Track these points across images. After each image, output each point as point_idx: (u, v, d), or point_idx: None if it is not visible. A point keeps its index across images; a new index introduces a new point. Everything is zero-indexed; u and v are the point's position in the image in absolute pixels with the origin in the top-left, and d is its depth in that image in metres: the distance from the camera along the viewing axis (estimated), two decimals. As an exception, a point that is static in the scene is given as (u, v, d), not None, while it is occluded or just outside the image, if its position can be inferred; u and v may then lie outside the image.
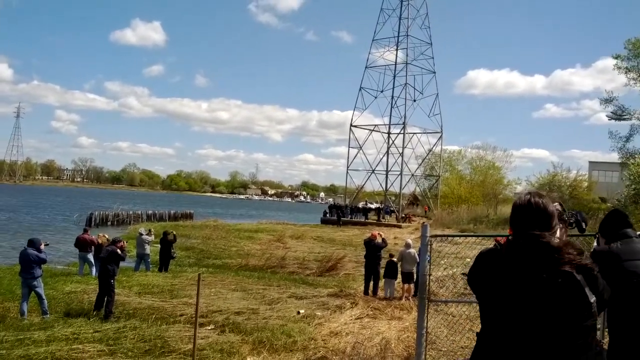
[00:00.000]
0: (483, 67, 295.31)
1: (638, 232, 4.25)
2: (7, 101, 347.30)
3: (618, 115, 41.96)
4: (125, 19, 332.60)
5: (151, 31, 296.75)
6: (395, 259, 17.13)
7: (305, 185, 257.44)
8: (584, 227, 3.35)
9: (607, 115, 42.76)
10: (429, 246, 8.03)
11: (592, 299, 2.50)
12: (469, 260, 11.42)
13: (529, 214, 2.67)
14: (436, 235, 8.66)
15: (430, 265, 8.09)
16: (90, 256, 19.68)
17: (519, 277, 2.55)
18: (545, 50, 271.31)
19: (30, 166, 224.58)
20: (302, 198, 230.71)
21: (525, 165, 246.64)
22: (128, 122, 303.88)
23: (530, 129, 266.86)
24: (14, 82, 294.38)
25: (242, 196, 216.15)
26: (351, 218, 59.28)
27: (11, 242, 30.72)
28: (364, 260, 17.82)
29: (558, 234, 2.68)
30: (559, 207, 2.79)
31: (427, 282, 7.86)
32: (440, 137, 68.05)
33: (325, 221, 59.06)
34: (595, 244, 4.42)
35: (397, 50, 65.08)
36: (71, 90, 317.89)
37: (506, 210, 50.30)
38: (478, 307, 2.80)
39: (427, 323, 7.49)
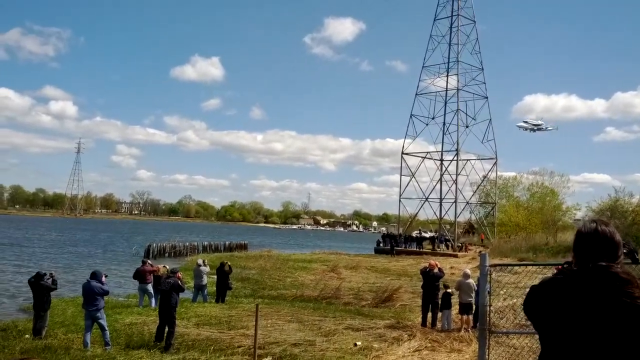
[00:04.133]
0: (540, 92, 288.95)
1: None
2: (71, 137, 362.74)
3: None
4: (186, 56, 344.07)
5: (210, 66, 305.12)
6: (449, 290, 16.80)
7: (357, 215, 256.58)
8: (636, 256, 3.24)
9: None
10: (489, 276, 7.88)
11: None
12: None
13: (596, 243, 2.59)
14: (495, 265, 8.50)
15: (490, 296, 7.93)
16: (150, 287, 19.95)
17: (586, 309, 2.48)
18: (605, 73, 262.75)
19: (90, 200, 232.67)
20: (354, 227, 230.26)
21: (586, 190, 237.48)
22: (185, 155, 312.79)
23: (590, 153, 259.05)
24: (79, 118, 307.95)
25: (294, 226, 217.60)
26: (405, 247, 58.62)
27: (72, 274, 31.61)
28: (421, 290, 17.54)
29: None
30: None
31: (488, 313, 7.71)
32: (495, 163, 66.92)
33: (378, 251, 58.58)
34: None
35: (447, 76, 64.67)
36: (132, 125, 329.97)
37: (565, 237, 48.81)
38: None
39: (488, 356, 7.32)
